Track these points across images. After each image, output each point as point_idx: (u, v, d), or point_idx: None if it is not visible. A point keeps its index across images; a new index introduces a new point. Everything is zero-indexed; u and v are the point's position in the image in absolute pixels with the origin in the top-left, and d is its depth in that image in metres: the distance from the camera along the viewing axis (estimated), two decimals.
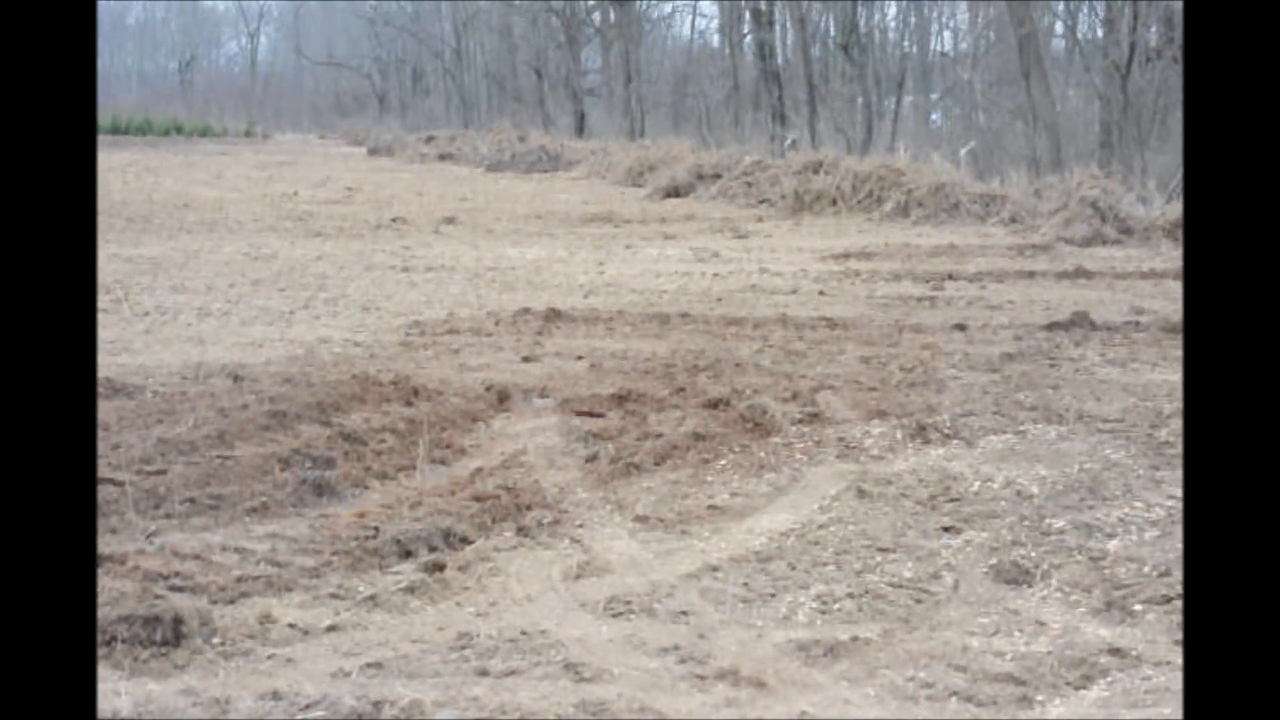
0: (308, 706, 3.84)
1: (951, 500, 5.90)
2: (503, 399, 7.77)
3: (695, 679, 4.09)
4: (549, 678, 4.08)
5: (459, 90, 65.46)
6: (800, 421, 7.25)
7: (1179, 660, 4.25)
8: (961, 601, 4.78)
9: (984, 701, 3.94)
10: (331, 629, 4.49)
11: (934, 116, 39.59)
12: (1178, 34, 24.65)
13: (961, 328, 10.21)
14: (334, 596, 4.80)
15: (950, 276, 13.23)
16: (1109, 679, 4.12)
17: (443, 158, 42.30)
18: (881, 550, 5.28)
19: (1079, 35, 32.21)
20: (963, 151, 23.74)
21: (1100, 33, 29.08)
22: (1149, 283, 12.86)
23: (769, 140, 31.06)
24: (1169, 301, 11.56)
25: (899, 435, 6.99)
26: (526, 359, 9.08)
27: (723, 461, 6.59)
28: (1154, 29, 26.30)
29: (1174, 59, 25.22)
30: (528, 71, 55.58)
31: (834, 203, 20.36)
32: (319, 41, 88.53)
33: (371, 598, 4.77)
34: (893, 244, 16.16)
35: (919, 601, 4.78)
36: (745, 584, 4.92)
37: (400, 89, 76.94)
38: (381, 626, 4.52)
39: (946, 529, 5.54)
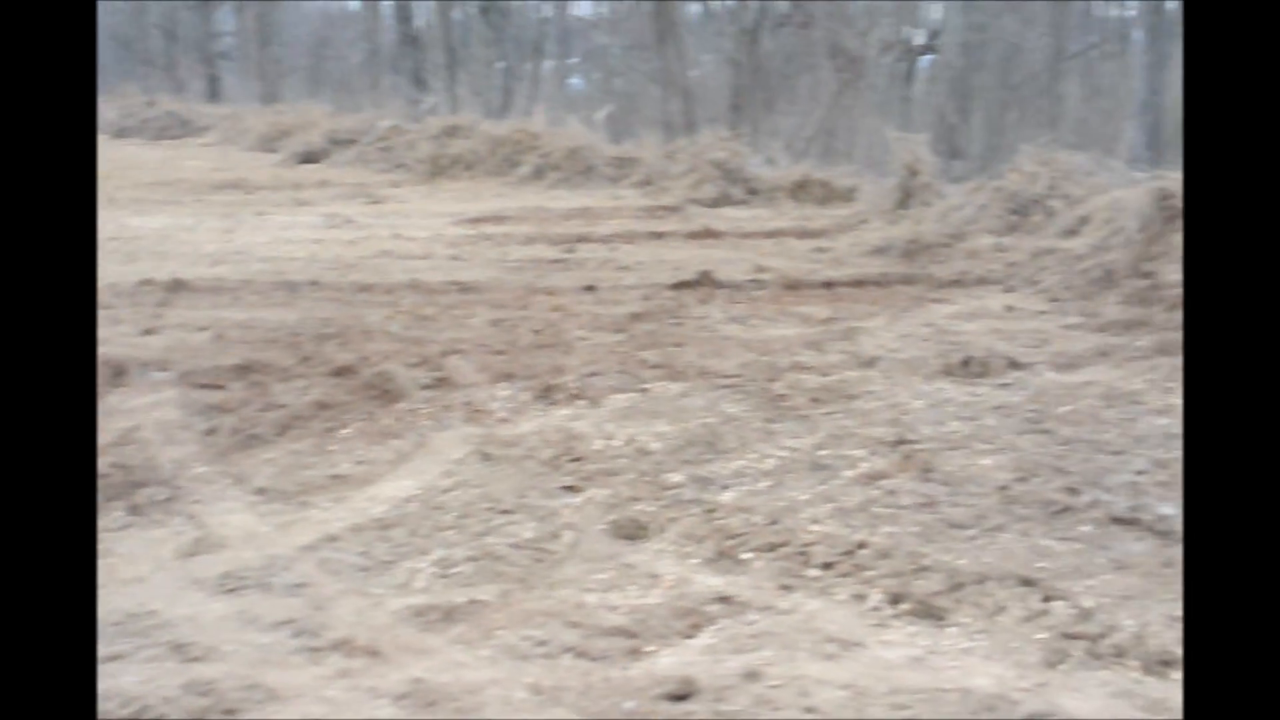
0: None
1: (574, 460, 5.97)
2: (118, 374, 7.47)
3: (308, 652, 4.04)
4: (155, 659, 3.96)
5: None
6: (428, 387, 7.22)
7: (783, 604, 4.42)
8: (580, 559, 4.86)
9: (596, 655, 4.01)
10: None
11: (573, 81, 39.93)
12: (804, 2, 25.53)
13: (591, 289, 10.35)
14: None
15: (582, 239, 13.37)
16: (717, 626, 4.26)
17: None
18: (503, 512, 5.31)
19: (711, 1, 32.95)
20: (599, 115, 24.04)
21: None
22: (772, 242, 13.28)
23: (407, 105, 30.78)
24: (789, 259, 11.98)
25: (526, 397, 7.04)
26: (146, 331, 8.76)
27: (347, 430, 6.51)
28: None
29: (800, 25, 26.11)
30: (157, 33, 53.55)
31: (470, 167, 20.31)
32: None
33: None
34: (527, 208, 16.22)
35: (538, 561, 4.83)
36: (364, 553, 4.88)
37: None
38: None
39: (568, 488, 5.61)
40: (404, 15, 35.91)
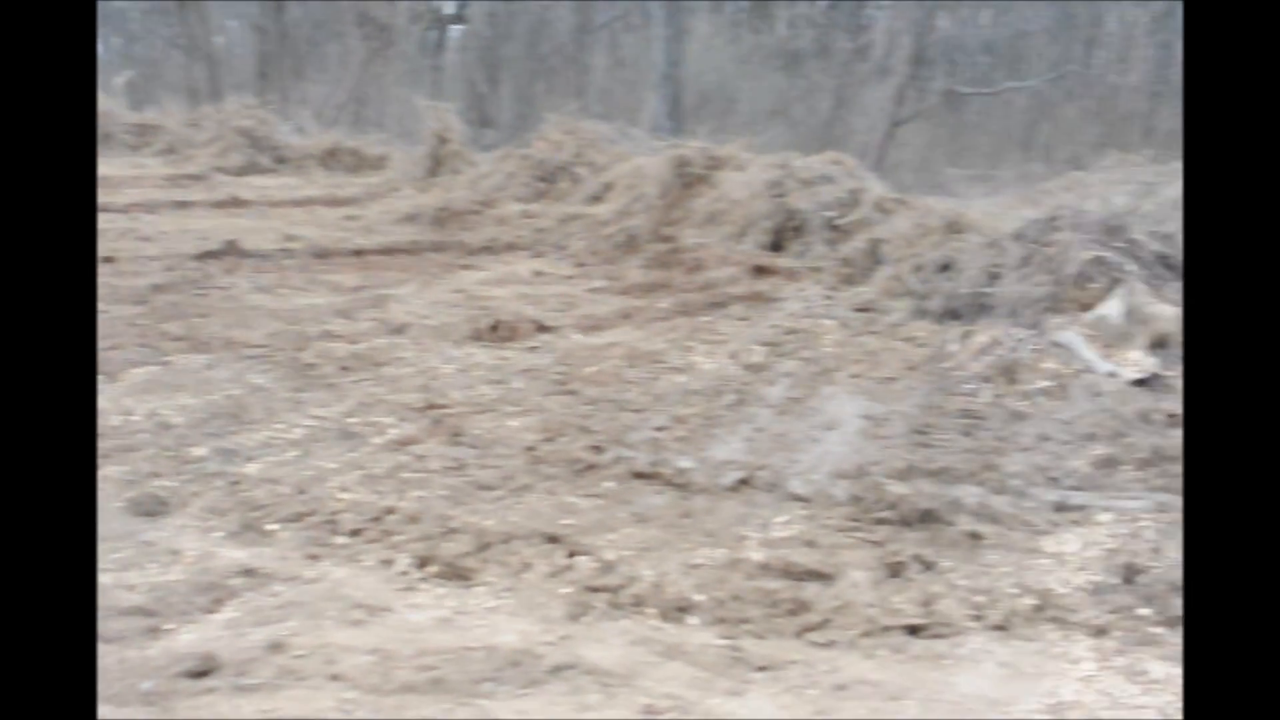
0: None
1: None
2: None
3: None
4: None
5: None
6: None
7: (309, 573, 4.37)
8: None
9: (112, 637, 3.86)
10: None
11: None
12: None
13: (110, 260, 9.88)
14: None
15: (100, 209, 12.72)
16: (241, 599, 4.17)
17: None
18: None
19: None
20: (118, 81, 23.01)
21: None
22: (301, 210, 13.04)
23: None
24: (319, 228, 11.80)
25: None
26: None
27: None
28: None
29: None
30: None
31: None
32: None
33: None
34: None
35: None
36: None
37: None
38: None
39: None
40: None
